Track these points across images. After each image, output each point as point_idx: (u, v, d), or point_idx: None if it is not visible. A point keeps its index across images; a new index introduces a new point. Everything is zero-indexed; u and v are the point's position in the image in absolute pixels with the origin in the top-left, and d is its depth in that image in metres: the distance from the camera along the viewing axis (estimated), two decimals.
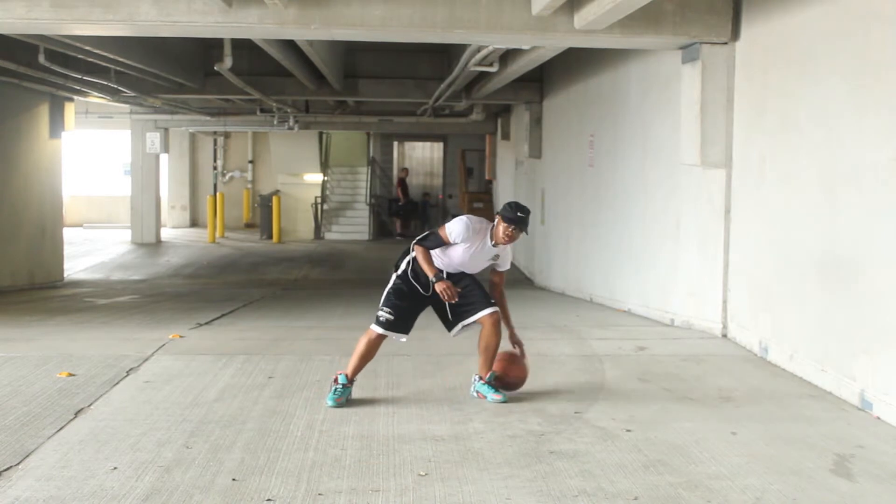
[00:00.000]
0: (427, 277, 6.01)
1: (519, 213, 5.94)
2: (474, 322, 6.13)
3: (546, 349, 7.97)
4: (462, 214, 6.29)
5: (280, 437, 5.32)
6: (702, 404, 6.13)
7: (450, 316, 6.14)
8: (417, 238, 6.15)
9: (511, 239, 5.98)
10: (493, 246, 6.05)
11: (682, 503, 4.35)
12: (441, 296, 5.96)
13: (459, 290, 6.04)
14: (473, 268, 6.16)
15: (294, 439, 5.30)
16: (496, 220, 6.02)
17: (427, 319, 6.33)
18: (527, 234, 6.18)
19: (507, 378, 6.21)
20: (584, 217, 13.42)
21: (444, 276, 6.08)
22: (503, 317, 6.23)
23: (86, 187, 30.02)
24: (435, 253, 6.09)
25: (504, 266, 6.23)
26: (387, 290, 6.16)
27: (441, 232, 6.05)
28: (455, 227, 5.99)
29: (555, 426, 5.56)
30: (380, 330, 6.09)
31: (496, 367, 6.16)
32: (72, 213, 28.35)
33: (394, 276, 6.19)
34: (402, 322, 6.10)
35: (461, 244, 6.01)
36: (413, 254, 6.10)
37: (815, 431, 5.49)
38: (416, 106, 20.55)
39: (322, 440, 5.28)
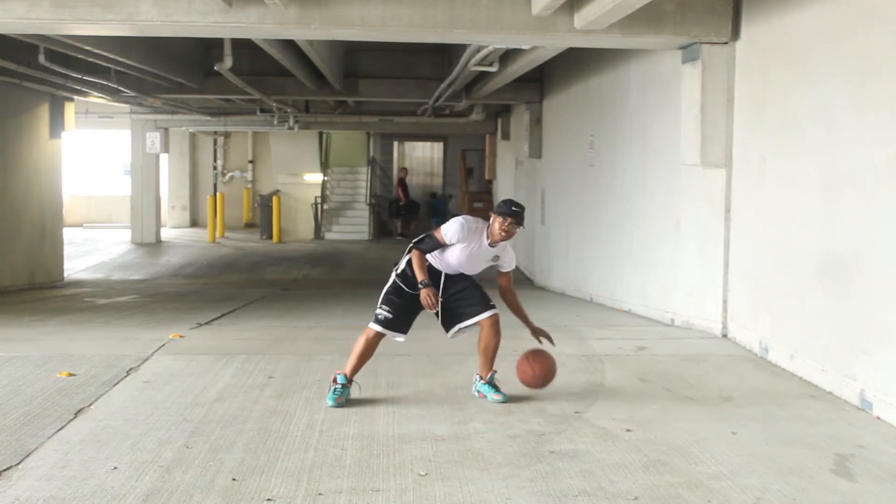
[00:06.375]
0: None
1: (514, 208, 5.93)
2: (473, 325, 6.13)
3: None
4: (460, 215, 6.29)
5: (280, 437, 5.32)
6: (702, 404, 6.13)
7: (445, 319, 6.13)
8: (415, 240, 6.14)
9: (508, 234, 5.94)
10: (491, 246, 6.02)
11: (683, 503, 4.35)
12: (423, 302, 5.95)
13: (442, 299, 6.01)
14: (472, 269, 6.14)
15: (294, 439, 5.30)
16: (491, 218, 6.01)
17: (428, 319, 6.32)
18: (523, 228, 6.15)
19: (526, 377, 6.18)
20: (584, 217, 13.42)
21: (442, 278, 6.07)
22: (520, 316, 6.28)
23: (86, 187, 30.02)
24: (433, 255, 6.08)
25: (507, 266, 6.18)
26: (386, 288, 6.15)
27: (437, 234, 6.02)
28: (451, 228, 5.96)
29: (555, 426, 5.56)
30: (378, 328, 6.08)
31: (531, 371, 6.16)
32: (72, 213, 28.35)
33: (393, 275, 6.18)
34: (400, 321, 6.09)
35: (458, 244, 5.99)
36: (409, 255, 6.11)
37: (816, 431, 5.49)
38: (416, 106, 20.54)
39: (322, 440, 5.28)
